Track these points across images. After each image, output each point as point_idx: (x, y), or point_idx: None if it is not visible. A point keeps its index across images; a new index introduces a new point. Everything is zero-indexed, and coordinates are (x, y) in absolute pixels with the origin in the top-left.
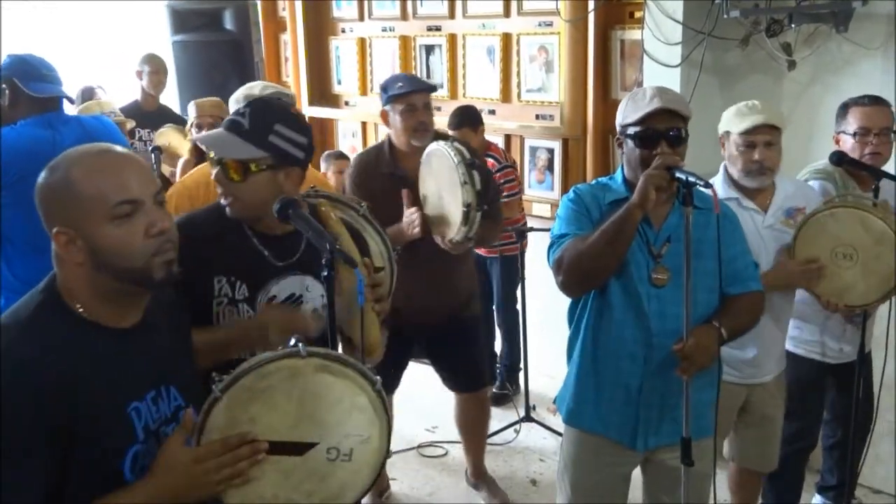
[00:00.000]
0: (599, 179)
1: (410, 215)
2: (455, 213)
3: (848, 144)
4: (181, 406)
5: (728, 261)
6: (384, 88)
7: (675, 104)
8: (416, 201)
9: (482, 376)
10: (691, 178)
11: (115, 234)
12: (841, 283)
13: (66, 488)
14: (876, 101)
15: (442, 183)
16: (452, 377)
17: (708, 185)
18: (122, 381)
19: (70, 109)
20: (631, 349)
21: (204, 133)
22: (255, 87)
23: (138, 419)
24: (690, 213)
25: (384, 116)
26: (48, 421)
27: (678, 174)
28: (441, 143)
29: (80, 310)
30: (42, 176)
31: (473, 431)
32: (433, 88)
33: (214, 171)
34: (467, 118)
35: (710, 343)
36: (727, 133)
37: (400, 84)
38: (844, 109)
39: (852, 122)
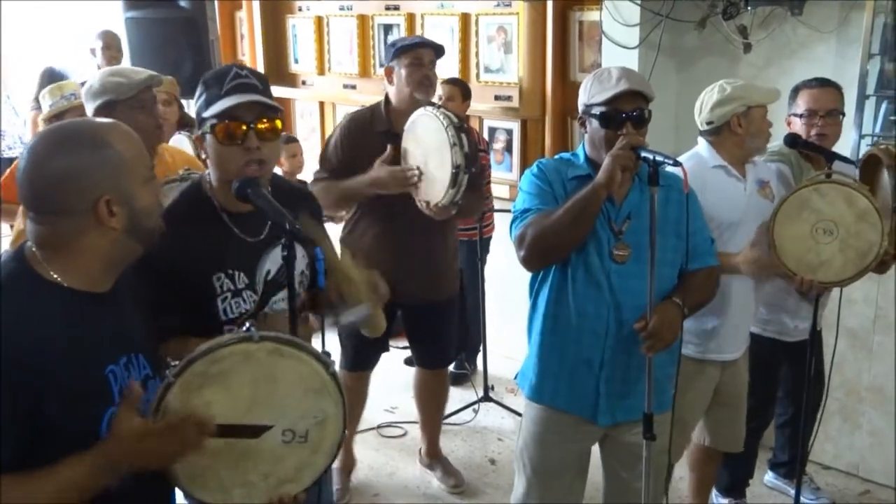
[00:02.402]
0: (562, 154)
1: (410, 169)
2: (442, 176)
3: (797, 126)
4: (150, 376)
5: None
6: (392, 44)
7: (642, 86)
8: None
9: (450, 354)
10: (658, 158)
11: (149, 194)
12: (817, 259)
13: (38, 450)
14: (824, 83)
15: (428, 147)
16: (423, 353)
17: (677, 164)
18: (100, 343)
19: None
20: (593, 324)
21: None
22: (94, 79)
23: (114, 381)
24: (656, 192)
25: (388, 73)
26: (20, 386)
27: (644, 154)
28: (428, 108)
29: (56, 277)
30: (78, 153)
31: (434, 407)
32: (442, 49)
33: (250, 136)
34: (463, 86)
35: (674, 319)
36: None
37: (408, 39)
38: (795, 92)
39: (801, 105)
